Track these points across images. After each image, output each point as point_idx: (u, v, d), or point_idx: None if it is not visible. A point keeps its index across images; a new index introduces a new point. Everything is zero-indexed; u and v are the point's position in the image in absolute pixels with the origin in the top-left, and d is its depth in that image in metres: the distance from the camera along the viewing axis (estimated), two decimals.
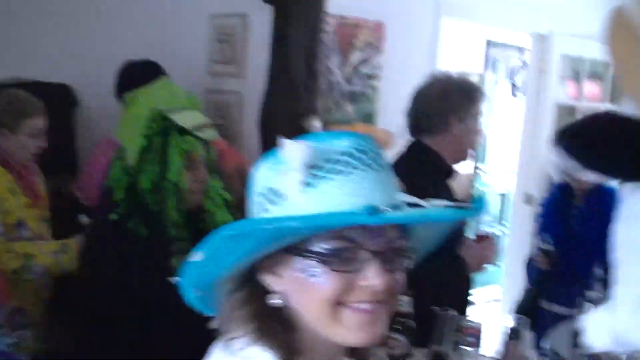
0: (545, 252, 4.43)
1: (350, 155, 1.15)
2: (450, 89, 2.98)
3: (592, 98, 6.31)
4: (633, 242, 1.07)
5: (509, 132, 7.75)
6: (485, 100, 3.08)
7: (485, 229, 3.33)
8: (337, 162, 1.14)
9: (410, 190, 2.77)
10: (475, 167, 7.26)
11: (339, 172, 1.13)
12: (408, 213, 1.17)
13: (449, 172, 3.06)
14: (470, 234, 3.16)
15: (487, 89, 7.68)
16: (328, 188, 1.12)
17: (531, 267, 4.58)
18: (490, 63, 7.66)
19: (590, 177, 1.08)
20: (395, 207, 1.15)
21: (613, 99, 6.28)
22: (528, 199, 5.98)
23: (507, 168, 7.50)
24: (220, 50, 4.60)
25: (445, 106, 2.94)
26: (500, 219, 7.69)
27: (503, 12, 5.43)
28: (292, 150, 1.12)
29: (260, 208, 1.18)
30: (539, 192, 5.90)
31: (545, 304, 4.44)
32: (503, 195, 7.65)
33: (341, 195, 1.12)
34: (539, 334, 4.33)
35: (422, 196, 2.76)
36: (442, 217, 1.25)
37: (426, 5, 4.96)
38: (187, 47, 4.56)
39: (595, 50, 6.08)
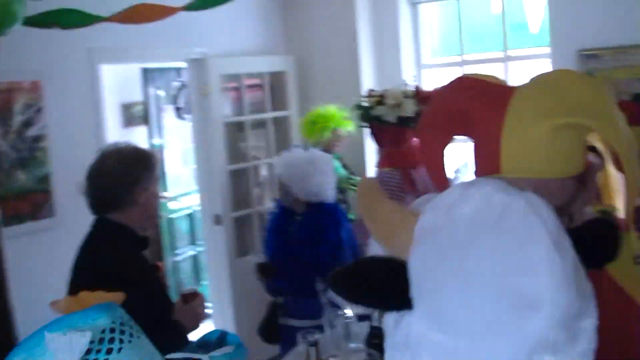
0: (261, 266, 4.64)
1: (115, 330, 1.15)
2: (128, 161, 2.99)
3: (255, 108, 6.58)
4: None
5: (183, 153, 7.88)
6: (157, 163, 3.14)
7: (190, 286, 3.39)
8: (107, 340, 1.14)
9: (108, 272, 2.75)
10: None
11: (113, 349, 1.13)
12: None
13: (144, 243, 3.08)
14: (176, 295, 3.22)
15: (152, 114, 7.71)
16: None
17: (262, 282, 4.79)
18: (151, 89, 7.69)
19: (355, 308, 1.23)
20: None
21: (274, 107, 6.62)
22: (217, 220, 6.11)
23: (190, 188, 7.62)
24: None
25: (128, 180, 2.95)
26: (192, 239, 7.78)
27: (156, 48, 5.50)
28: (59, 342, 1.10)
29: None
30: (224, 210, 6.08)
31: (282, 319, 4.66)
32: (190, 215, 7.74)
33: None
34: (283, 347, 4.60)
35: (122, 274, 2.74)
36: None
37: (80, 55, 4.87)
38: None
39: (249, 65, 6.40)
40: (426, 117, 1.64)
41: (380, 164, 5.63)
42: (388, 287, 1.13)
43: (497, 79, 1.59)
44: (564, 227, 1.22)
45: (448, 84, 1.60)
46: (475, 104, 1.47)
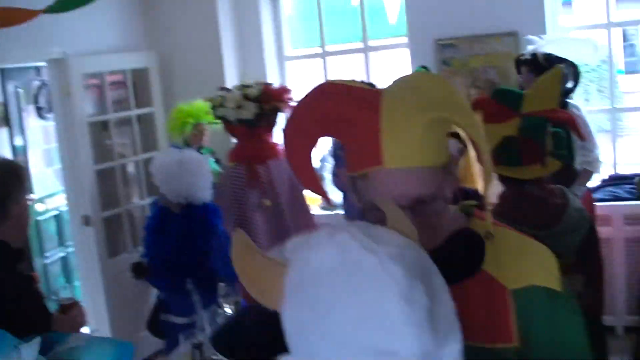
0: (134, 266, 4.63)
1: None
2: None
3: (119, 106, 6.50)
4: None
5: (47, 153, 7.69)
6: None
7: (67, 295, 3.34)
8: None
9: None
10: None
11: None
12: None
13: (20, 255, 3.03)
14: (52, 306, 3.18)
15: (12, 114, 7.47)
16: None
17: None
18: (10, 88, 7.44)
19: None
20: None
21: (138, 104, 6.57)
22: (86, 220, 6.02)
23: (56, 188, 7.45)
24: None
25: (1, 194, 2.89)
26: (60, 240, 7.61)
27: (15, 49, 5.35)
28: None
29: None
30: (93, 210, 6.00)
31: (163, 316, 4.66)
32: (57, 216, 7.56)
33: None
34: (167, 343, 4.64)
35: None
36: None
37: None
38: None
39: (111, 63, 6.31)
40: (291, 123, 1.71)
41: (229, 159, 5.72)
42: (266, 340, 1.20)
43: (357, 82, 1.71)
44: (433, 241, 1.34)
45: (312, 91, 1.67)
46: (346, 107, 1.56)
